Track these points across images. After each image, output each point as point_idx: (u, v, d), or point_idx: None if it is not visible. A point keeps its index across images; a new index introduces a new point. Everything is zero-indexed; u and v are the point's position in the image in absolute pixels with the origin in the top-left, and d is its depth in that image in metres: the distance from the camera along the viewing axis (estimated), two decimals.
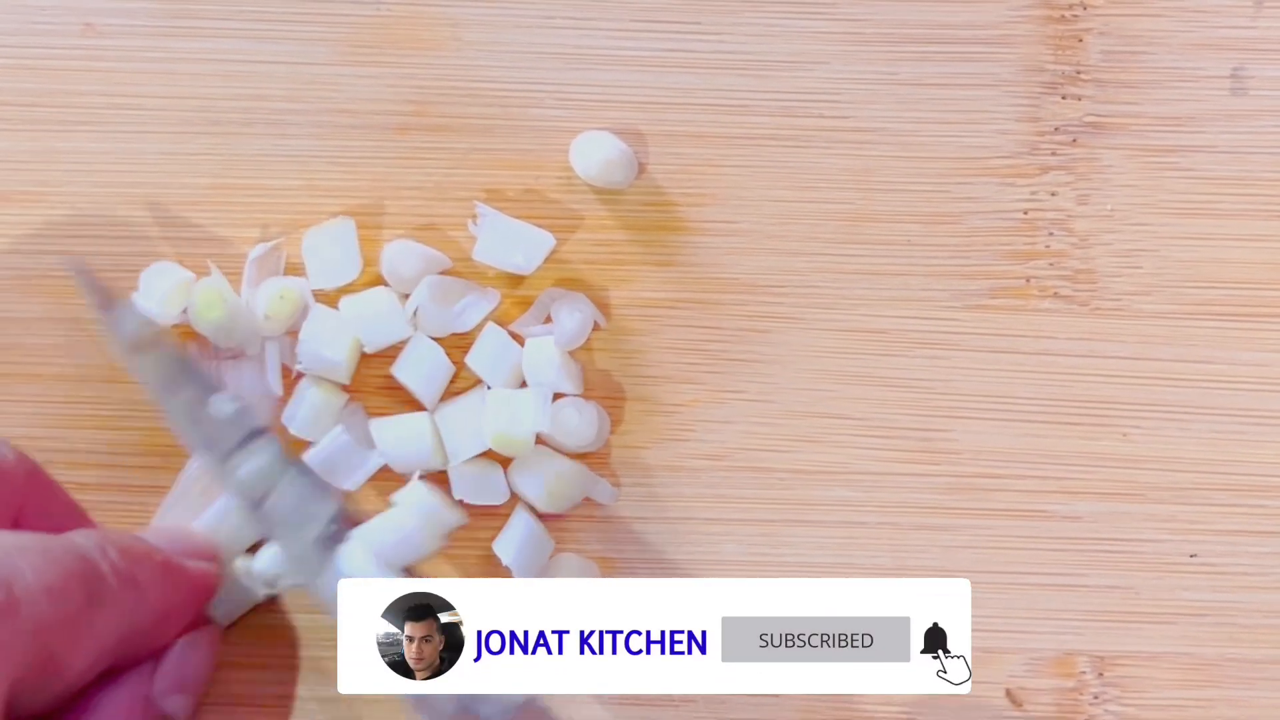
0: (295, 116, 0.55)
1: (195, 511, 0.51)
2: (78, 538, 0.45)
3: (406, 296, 0.53)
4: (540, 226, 0.54)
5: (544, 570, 0.53)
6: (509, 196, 0.55)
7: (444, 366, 0.53)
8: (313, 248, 0.54)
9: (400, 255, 0.53)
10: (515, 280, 0.54)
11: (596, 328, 0.54)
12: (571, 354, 0.54)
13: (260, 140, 0.55)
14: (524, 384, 0.53)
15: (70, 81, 0.55)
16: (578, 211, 0.55)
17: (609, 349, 0.54)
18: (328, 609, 0.47)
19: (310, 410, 0.53)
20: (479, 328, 0.54)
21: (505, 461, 0.53)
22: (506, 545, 0.53)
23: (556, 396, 0.53)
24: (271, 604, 0.52)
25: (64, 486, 0.50)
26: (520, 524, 0.53)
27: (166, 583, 0.47)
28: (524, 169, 0.55)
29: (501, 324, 0.54)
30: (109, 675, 0.47)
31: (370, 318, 0.53)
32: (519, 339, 0.54)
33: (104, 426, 0.53)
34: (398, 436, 0.53)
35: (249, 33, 0.55)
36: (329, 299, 0.53)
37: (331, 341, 0.53)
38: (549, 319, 0.54)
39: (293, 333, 0.53)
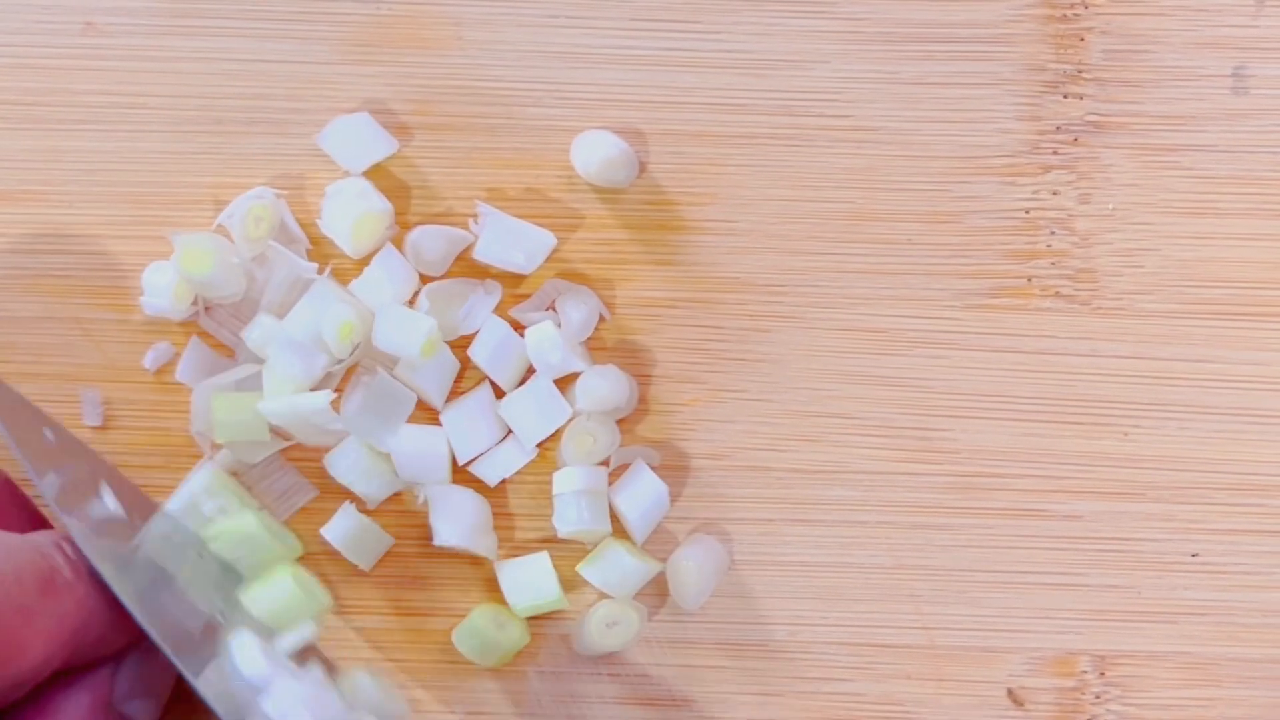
0: (297, 115, 0.55)
1: None
2: (35, 535, 0.47)
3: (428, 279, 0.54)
4: (541, 225, 0.54)
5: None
6: (510, 195, 0.55)
7: (450, 364, 0.53)
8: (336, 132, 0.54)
9: (424, 239, 0.53)
10: (516, 279, 0.54)
11: (601, 320, 0.54)
12: None
13: (262, 139, 0.55)
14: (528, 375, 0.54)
15: (71, 80, 0.55)
16: (578, 210, 0.55)
17: (609, 348, 0.54)
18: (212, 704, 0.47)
19: None
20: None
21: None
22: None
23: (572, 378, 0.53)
24: None
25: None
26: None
27: None
28: (525, 168, 0.55)
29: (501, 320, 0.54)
30: (66, 676, 0.47)
31: (379, 285, 0.53)
32: (520, 327, 0.54)
33: (103, 426, 0.54)
34: (412, 447, 0.53)
35: (251, 32, 0.55)
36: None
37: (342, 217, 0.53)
38: (550, 307, 0.54)
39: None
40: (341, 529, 0.53)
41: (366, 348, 0.52)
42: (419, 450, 0.53)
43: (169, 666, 0.49)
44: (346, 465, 0.53)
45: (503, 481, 0.54)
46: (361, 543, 0.53)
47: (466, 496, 0.53)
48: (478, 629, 0.52)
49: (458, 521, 0.53)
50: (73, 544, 0.47)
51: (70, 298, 0.54)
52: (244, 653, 0.48)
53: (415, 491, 0.53)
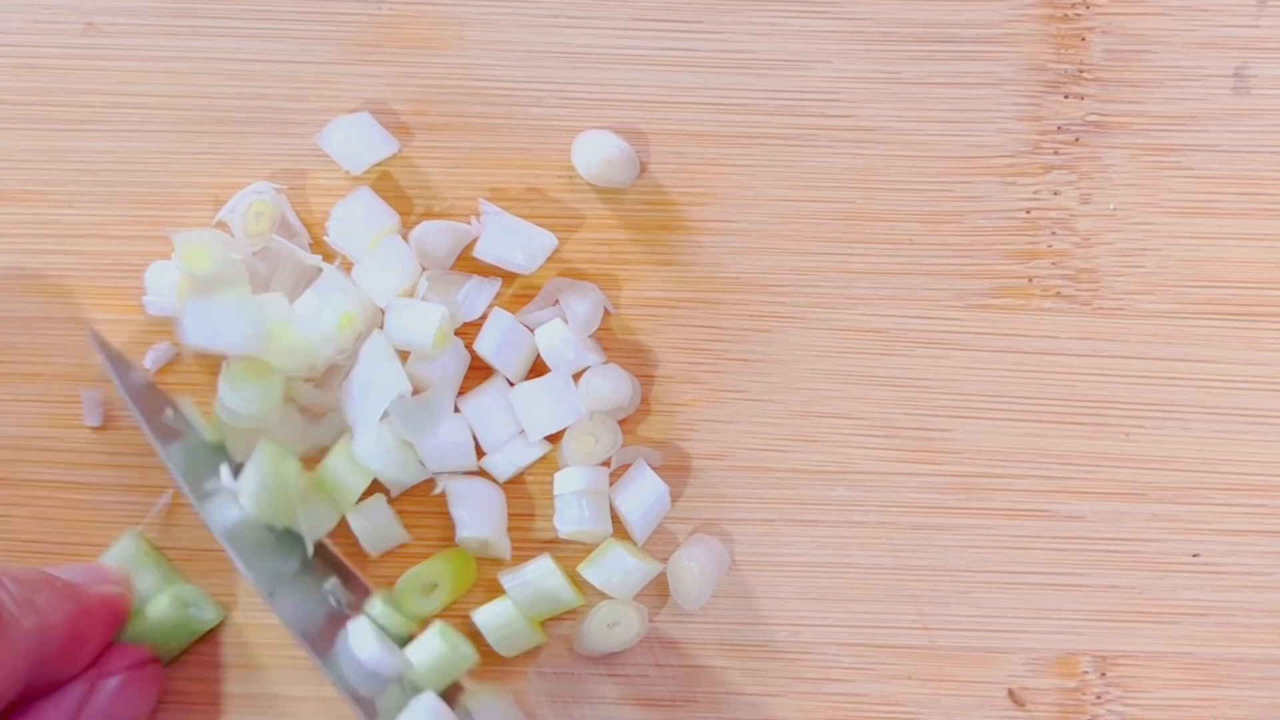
0: (298, 115, 0.55)
1: None
2: None
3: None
4: (542, 225, 0.54)
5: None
6: (511, 195, 0.55)
7: (463, 356, 0.53)
8: (336, 132, 0.54)
9: (430, 234, 0.53)
10: (518, 279, 0.54)
11: (607, 314, 0.54)
12: None
13: (263, 139, 0.55)
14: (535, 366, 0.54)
15: (72, 80, 0.55)
16: (579, 210, 0.55)
17: (610, 347, 0.54)
18: (338, 687, 0.49)
19: None
20: (483, 317, 0.54)
21: None
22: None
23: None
24: (212, 635, 0.52)
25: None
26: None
27: (69, 605, 0.48)
28: (526, 168, 0.55)
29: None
30: (28, 704, 0.48)
31: (385, 268, 0.53)
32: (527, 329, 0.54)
33: (103, 426, 0.54)
34: (440, 437, 0.53)
35: (252, 31, 0.55)
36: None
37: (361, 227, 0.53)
38: (556, 302, 0.54)
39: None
40: (367, 520, 0.53)
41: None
42: (446, 440, 0.53)
43: (144, 698, 0.49)
44: (373, 451, 0.53)
45: (506, 482, 0.54)
46: (380, 533, 0.53)
47: (488, 488, 0.53)
48: (506, 614, 0.52)
49: (481, 512, 0.52)
50: (13, 578, 0.47)
51: (70, 298, 0.54)
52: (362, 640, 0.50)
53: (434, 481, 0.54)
